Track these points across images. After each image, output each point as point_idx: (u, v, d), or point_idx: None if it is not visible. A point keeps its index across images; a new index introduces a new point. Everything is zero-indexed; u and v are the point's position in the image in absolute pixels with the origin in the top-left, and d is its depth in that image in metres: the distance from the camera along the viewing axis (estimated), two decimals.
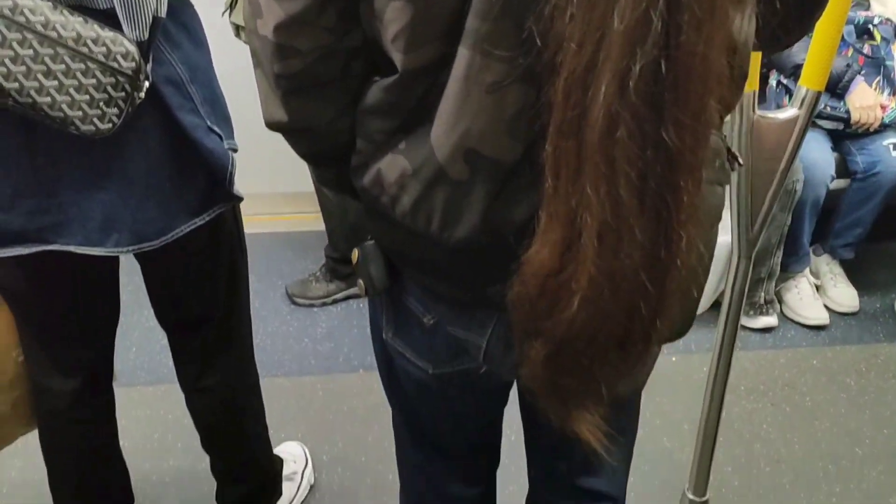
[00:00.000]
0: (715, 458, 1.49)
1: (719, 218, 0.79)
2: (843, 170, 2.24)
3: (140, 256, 1.20)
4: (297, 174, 2.28)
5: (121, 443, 1.47)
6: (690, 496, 1.52)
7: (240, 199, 1.17)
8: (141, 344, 2.09)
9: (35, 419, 1.37)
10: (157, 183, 1.06)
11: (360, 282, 0.82)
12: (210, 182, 1.11)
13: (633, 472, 1.71)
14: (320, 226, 2.35)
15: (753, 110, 1.14)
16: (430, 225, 0.70)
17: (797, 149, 1.16)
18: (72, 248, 1.06)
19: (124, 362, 2.01)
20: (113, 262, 1.24)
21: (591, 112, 0.54)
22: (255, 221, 2.79)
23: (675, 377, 2.05)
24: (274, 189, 2.72)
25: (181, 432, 1.80)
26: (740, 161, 0.81)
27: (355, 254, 0.82)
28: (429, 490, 1.07)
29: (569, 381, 0.65)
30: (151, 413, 1.88)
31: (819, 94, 1.13)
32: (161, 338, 1.38)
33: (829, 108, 2.18)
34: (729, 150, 0.78)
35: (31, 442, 1.41)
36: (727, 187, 1.21)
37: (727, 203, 1.25)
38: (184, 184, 1.08)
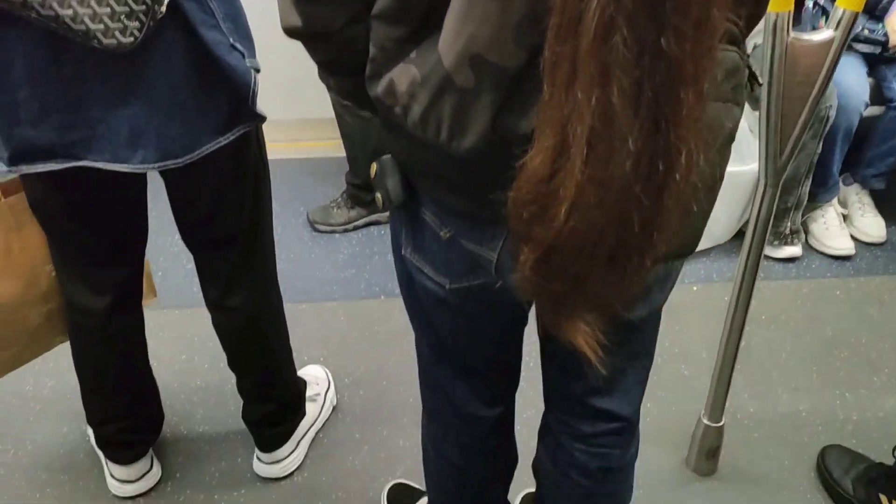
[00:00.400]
0: (732, 385, 1.50)
1: (731, 139, 0.77)
2: (878, 96, 2.17)
3: (165, 175, 1.21)
4: (317, 100, 2.26)
5: (150, 363, 1.51)
6: (706, 421, 1.55)
7: (263, 118, 1.17)
8: (167, 269, 2.12)
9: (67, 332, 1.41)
10: (182, 100, 1.06)
11: (378, 195, 0.84)
12: (233, 101, 1.11)
13: (650, 397, 1.74)
14: (341, 152, 2.34)
15: (787, 32, 1.10)
16: (439, 135, 0.71)
17: (831, 73, 1.12)
18: (100, 165, 1.08)
19: None
20: (141, 181, 1.25)
21: (585, 17, 0.52)
22: (275, 148, 2.77)
23: (695, 306, 2.05)
24: (294, 115, 2.70)
25: (207, 354, 1.85)
26: (760, 81, 0.79)
27: (373, 168, 0.83)
28: (449, 409, 1.10)
29: (557, 287, 0.66)
30: (178, 335, 1.92)
31: (856, 15, 1.08)
32: (187, 262, 1.40)
33: (866, 31, 2.09)
34: (750, 69, 0.75)
35: (62, 360, 1.46)
36: (756, 113, 1.19)
37: (756, 130, 1.22)
38: (208, 102, 1.09)
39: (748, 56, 0.75)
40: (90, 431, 1.59)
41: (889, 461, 1.50)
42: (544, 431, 1.13)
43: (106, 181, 1.12)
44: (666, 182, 0.58)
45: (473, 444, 1.12)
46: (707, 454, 1.58)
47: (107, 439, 1.51)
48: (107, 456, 1.54)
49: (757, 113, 1.19)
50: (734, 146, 2.23)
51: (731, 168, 2.40)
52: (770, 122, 1.17)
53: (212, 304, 1.41)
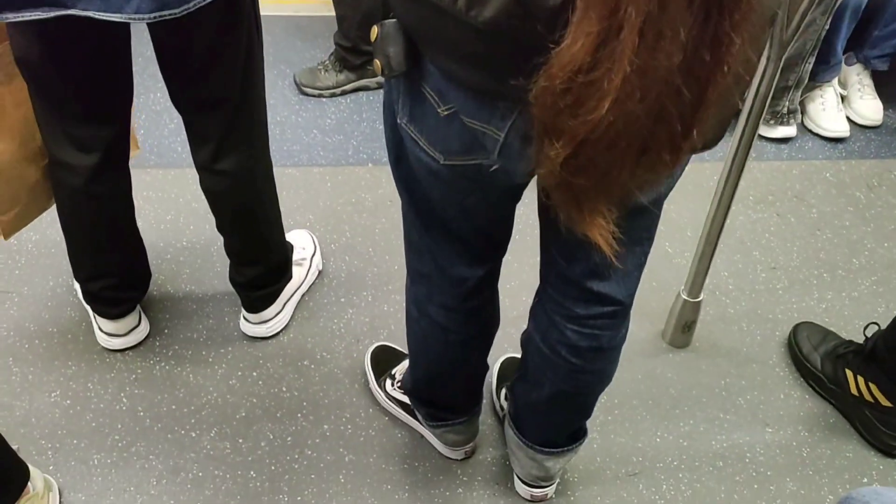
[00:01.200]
0: (713, 263, 1.53)
1: (773, 21, 0.73)
2: None
3: (156, 29, 1.16)
4: None
5: None
6: (685, 296, 1.58)
7: None
8: (149, 127, 2.07)
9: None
10: None
11: (377, 61, 0.79)
12: None
13: None
14: (330, 11, 2.23)
15: None
16: (456, 1, 0.66)
17: None
18: (91, 14, 1.02)
19: None
20: (126, 33, 1.19)
21: None
22: (262, 4, 2.66)
23: (683, 185, 2.00)
24: None
25: (192, 215, 1.85)
26: None
27: (374, 31, 0.78)
28: (434, 270, 1.11)
29: (584, 183, 0.64)
30: (163, 195, 1.91)
31: None
32: (169, 122, 1.36)
33: None
34: None
35: (45, 215, 1.45)
36: None
37: None
38: None
39: None
40: (77, 286, 1.61)
41: (859, 340, 1.55)
42: (537, 309, 1.15)
43: (92, 32, 1.07)
44: (713, 74, 0.56)
45: (457, 304, 1.14)
46: (683, 328, 1.62)
47: (94, 295, 1.52)
48: (94, 311, 1.56)
49: None
50: None
51: None
52: None
53: (201, 166, 1.38)
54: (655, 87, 0.55)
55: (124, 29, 1.13)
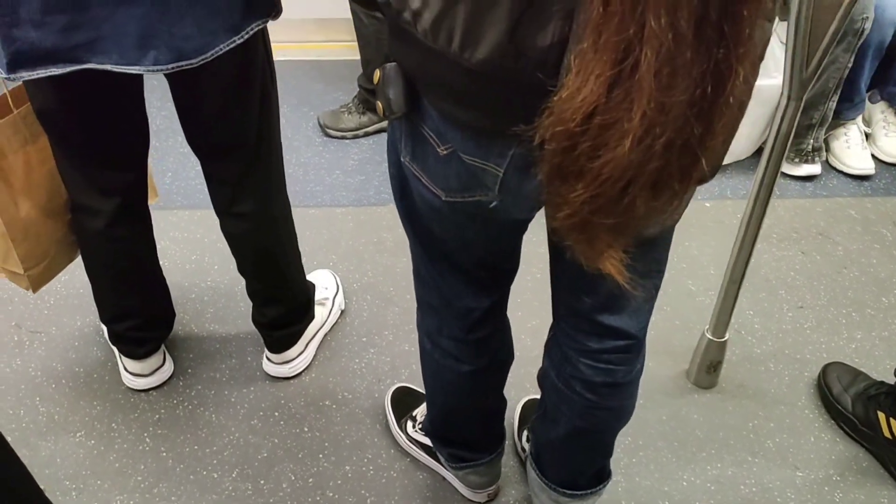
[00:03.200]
0: (738, 302, 1.51)
1: (762, 56, 0.74)
2: None
3: (173, 78, 1.18)
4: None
5: (160, 263, 1.53)
6: (710, 336, 1.56)
7: (279, 10, 1.13)
8: (176, 169, 2.12)
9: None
10: None
11: (378, 103, 0.82)
12: None
13: (654, 311, 1.75)
14: (355, 55, 2.28)
15: None
16: (450, 43, 0.68)
17: None
18: (108, 67, 1.04)
19: (161, 186, 2.05)
20: (139, 83, 1.22)
21: None
22: (287, 49, 2.72)
23: (706, 222, 2.03)
24: (308, 14, 2.62)
25: (217, 255, 1.87)
26: None
27: (377, 75, 0.81)
28: (441, 303, 1.12)
29: (603, 221, 0.65)
30: (189, 236, 1.93)
31: None
32: (195, 164, 1.39)
33: None
34: None
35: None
36: (785, 23, 1.14)
37: (785, 41, 1.17)
38: None
39: None
40: (104, 327, 1.62)
41: (891, 380, 1.52)
42: (551, 344, 1.14)
43: (107, 82, 1.08)
44: (719, 105, 0.57)
45: (465, 335, 1.14)
46: (708, 368, 1.60)
47: (119, 335, 1.54)
48: (120, 350, 1.58)
49: (787, 23, 1.14)
50: None
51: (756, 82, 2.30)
52: (799, 30, 1.12)
53: (220, 210, 1.41)
54: (672, 123, 0.56)
55: (139, 78, 1.15)
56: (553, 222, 0.69)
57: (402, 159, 0.89)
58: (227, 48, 1.08)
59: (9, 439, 0.98)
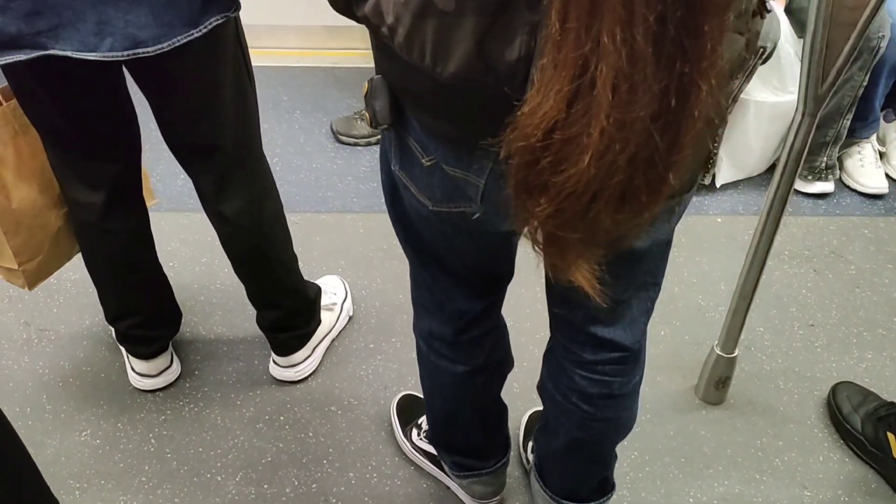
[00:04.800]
0: (748, 318, 1.50)
1: (741, 68, 0.74)
2: None
3: (137, 72, 1.18)
4: None
5: (170, 264, 1.54)
6: (719, 351, 1.55)
7: (238, 6, 1.13)
8: None
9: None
10: None
11: (366, 113, 0.84)
12: None
13: (663, 325, 1.75)
14: (368, 63, 2.28)
15: None
16: (423, 58, 0.69)
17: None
18: (69, 54, 1.05)
19: (171, 188, 2.06)
20: (116, 73, 1.22)
21: None
22: (301, 55, 2.73)
23: (717, 238, 2.02)
24: (322, 22, 2.63)
25: (227, 258, 1.87)
26: (768, 8, 0.75)
27: (365, 86, 0.82)
28: (434, 305, 1.12)
29: (570, 234, 0.65)
30: (199, 238, 1.94)
31: None
32: None
33: None
34: None
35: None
36: (801, 40, 1.13)
37: (800, 58, 1.16)
38: None
39: None
40: (112, 327, 1.63)
41: None
42: (548, 355, 1.15)
43: (78, 71, 1.09)
44: (684, 120, 0.57)
45: (458, 336, 1.14)
46: (717, 383, 1.59)
47: (124, 334, 1.55)
48: (128, 350, 1.58)
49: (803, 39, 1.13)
50: (777, 73, 2.15)
51: (772, 97, 2.32)
52: (814, 47, 1.12)
53: (207, 212, 1.41)
54: (634, 137, 0.56)
55: (113, 67, 1.15)
56: (523, 235, 0.69)
57: (392, 168, 0.90)
58: (185, 40, 1.08)
59: None
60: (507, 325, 1.23)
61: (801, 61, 1.16)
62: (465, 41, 0.65)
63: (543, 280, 1.07)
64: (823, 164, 2.13)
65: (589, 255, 0.68)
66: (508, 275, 1.11)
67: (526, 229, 0.68)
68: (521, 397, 1.53)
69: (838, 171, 2.19)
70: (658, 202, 0.63)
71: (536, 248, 0.69)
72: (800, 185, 2.15)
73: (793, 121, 1.24)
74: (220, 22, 1.11)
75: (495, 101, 0.63)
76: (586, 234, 0.65)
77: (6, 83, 1.21)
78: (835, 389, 1.60)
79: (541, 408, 1.38)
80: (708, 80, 0.55)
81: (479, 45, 0.65)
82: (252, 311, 1.58)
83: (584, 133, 0.56)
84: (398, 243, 1.56)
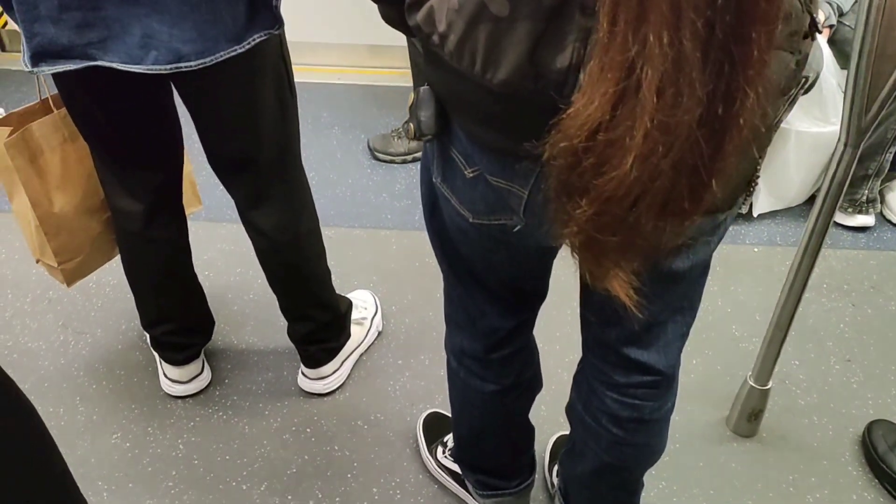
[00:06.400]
0: (783, 350, 1.47)
1: (785, 91, 0.73)
2: None
3: (180, 85, 1.21)
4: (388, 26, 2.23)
5: (206, 273, 1.56)
6: (752, 383, 1.52)
7: (281, 23, 1.15)
8: None
9: None
10: (195, 1, 1.04)
11: (410, 124, 0.84)
12: (251, 6, 1.09)
13: (696, 354, 1.72)
14: (406, 82, 2.31)
15: None
16: (474, 65, 0.69)
17: None
18: (115, 65, 1.08)
19: (210, 198, 2.09)
20: (161, 85, 1.25)
21: None
22: (343, 73, 2.78)
23: (754, 268, 1.99)
24: (364, 41, 2.68)
25: (261, 269, 1.89)
26: (821, 30, 0.74)
27: (411, 97, 0.83)
28: (468, 322, 1.12)
29: (610, 238, 0.64)
30: (235, 248, 1.97)
31: None
32: None
33: None
34: (812, 17, 0.71)
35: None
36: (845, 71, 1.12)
37: (842, 89, 1.15)
38: (223, 6, 1.06)
39: (810, 1, 0.71)
40: (147, 333, 1.66)
41: None
42: (579, 377, 1.13)
43: (125, 82, 1.12)
44: (729, 127, 0.57)
45: (489, 353, 1.14)
46: (749, 416, 1.56)
47: (158, 340, 1.57)
48: (161, 356, 1.61)
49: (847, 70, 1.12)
50: (819, 103, 2.11)
51: (813, 128, 2.29)
52: (858, 79, 1.11)
53: (245, 224, 1.43)
54: (678, 142, 0.56)
55: (159, 80, 1.18)
56: (561, 238, 0.69)
57: (433, 180, 0.91)
58: (228, 55, 1.10)
59: None
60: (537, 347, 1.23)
61: (845, 92, 1.15)
62: (517, 47, 0.66)
63: (574, 303, 1.07)
64: (864, 198, 2.09)
65: (626, 262, 0.68)
66: (542, 294, 1.11)
67: (564, 233, 0.67)
68: (549, 420, 1.51)
69: (879, 205, 2.15)
70: (699, 210, 0.62)
71: (574, 253, 0.69)
72: (840, 218, 2.12)
73: (834, 152, 1.23)
74: (263, 38, 1.13)
75: (544, 108, 0.63)
76: (625, 239, 0.64)
77: (57, 92, 1.25)
78: (870, 427, 1.56)
79: (567, 432, 1.37)
80: (755, 88, 0.55)
81: (530, 52, 0.66)
82: (283, 323, 1.60)
83: (627, 135, 0.57)
84: (430, 261, 1.57)
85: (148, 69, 1.08)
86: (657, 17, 0.52)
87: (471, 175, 0.83)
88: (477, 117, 0.77)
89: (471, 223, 0.88)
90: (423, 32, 0.72)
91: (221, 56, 1.10)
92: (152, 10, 1.04)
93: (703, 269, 0.96)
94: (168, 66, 1.08)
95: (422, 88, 0.81)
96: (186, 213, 1.49)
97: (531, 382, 1.23)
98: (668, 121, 0.55)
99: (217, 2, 1.06)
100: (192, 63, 1.08)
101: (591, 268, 0.69)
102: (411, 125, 0.84)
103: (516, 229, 0.85)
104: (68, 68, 1.09)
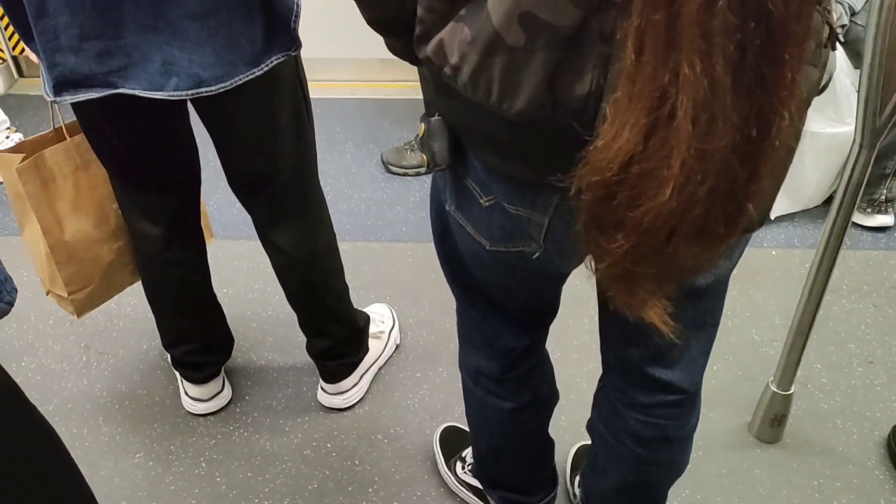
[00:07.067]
0: (805, 354, 1.46)
1: (808, 103, 0.73)
2: None
3: (200, 107, 1.22)
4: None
5: (224, 291, 1.57)
6: (774, 388, 1.51)
7: (299, 45, 1.16)
8: None
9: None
10: (213, 27, 1.05)
11: (423, 155, 0.83)
12: (269, 26, 1.10)
13: (716, 360, 1.71)
14: (417, 94, 2.32)
15: None
16: (489, 95, 0.68)
17: None
18: (137, 92, 1.10)
19: (227, 216, 2.11)
20: (181, 109, 1.26)
21: None
22: (355, 87, 2.79)
23: (772, 271, 1.98)
24: (375, 55, 2.69)
25: (279, 286, 1.90)
26: (841, 39, 0.74)
27: (422, 128, 0.82)
28: (482, 341, 1.12)
29: (646, 271, 0.64)
30: (253, 266, 1.98)
31: None
32: None
33: None
34: (830, 25, 0.70)
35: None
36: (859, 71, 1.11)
37: (856, 88, 1.14)
38: (242, 28, 1.07)
39: (828, 11, 0.70)
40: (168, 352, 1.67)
41: None
42: (600, 395, 1.13)
43: (146, 108, 1.13)
44: (764, 149, 0.56)
45: (506, 372, 1.13)
46: (772, 421, 1.54)
47: (179, 360, 1.59)
48: (182, 375, 1.62)
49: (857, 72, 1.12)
50: (833, 104, 2.11)
51: (828, 129, 2.27)
52: (871, 78, 1.10)
53: (263, 242, 1.44)
54: (714, 168, 0.56)
55: (177, 105, 1.19)
56: (595, 273, 0.68)
57: (446, 208, 0.90)
58: (247, 78, 1.11)
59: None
60: (555, 357, 1.22)
61: (858, 92, 1.14)
62: (534, 77, 0.65)
63: (591, 311, 1.07)
64: (883, 197, 2.07)
65: (662, 291, 0.67)
66: (555, 311, 1.10)
67: (599, 267, 0.66)
68: (569, 430, 1.51)
69: None
70: (735, 234, 0.62)
71: (603, 286, 0.68)
72: (858, 218, 2.10)
73: (850, 153, 1.22)
74: (280, 60, 1.14)
75: (563, 137, 0.63)
76: (663, 270, 0.63)
77: (71, 118, 1.27)
78: (895, 430, 1.54)
79: (588, 441, 1.36)
80: (788, 108, 0.55)
81: (548, 81, 0.65)
82: (302, 339, 1.61)
83: (663, 166, 0.56)
84: None
85: (169, 95, 1.09)
86: (688, 44, 0.51)
87: (487, 204, 0.82)
88: (494, 148, 0.76)
89: (487, 250, 0.87)
90: (434, 65, 0.72)
91: (240, 80, 1.11)
92: (172, 37, 1.05)
93: (725, 283, 0.95)
94: (188, 92, 1.09)
95: (433, 119, 0.80)
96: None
97: (548, 397, 1.22)
98: (705, 148, 0.54)
99: (235, 26, 1.07)
100: (212, 88, 1.10)
101: (625, 299, 0.68)
102: (424, 156, 0.83)
103: (535, 256, 0.84)
104: (91, 97, 1.11)
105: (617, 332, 1.01)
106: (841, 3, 1.97)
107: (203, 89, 1.09)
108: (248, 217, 1.43)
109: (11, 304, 0.79)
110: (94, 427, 1.62)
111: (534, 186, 0.76)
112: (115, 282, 1.49)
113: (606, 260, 0.64)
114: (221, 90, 1.10)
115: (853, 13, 1.99)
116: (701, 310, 0.95)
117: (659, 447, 1.07)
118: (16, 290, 0.80)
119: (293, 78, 1.24)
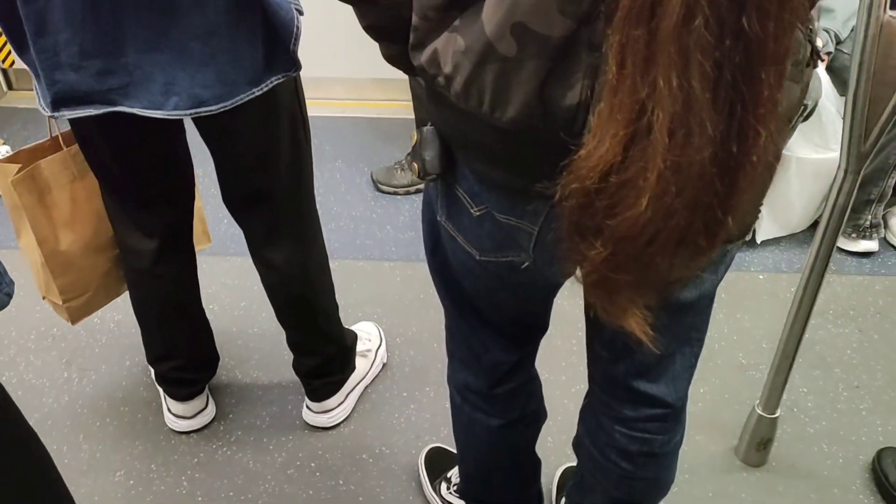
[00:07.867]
0: (791, 378, 1.46)
1: (789, 120, 0.74)
2: None
3: (199, 125, 1.22)
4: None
5: (210, 307, 1.56)
6: (760, 412, 1.51)
7: (299, 66, 1.16)
8: (230, 216, 2.17)
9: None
10: (215, 47, 1.06)
11: (414, 164, 0.84)
12: (270, 47, 1.11)
13: (703, 383, 1.71)
14: (410, 114, 2.33)
15: (884, 9, 1.03)
16: (482, 104, 0.69)
17: None
18: (136, 111, 1.10)
19: (215, 232, 2.10)
20: (178, 127, 1.27)
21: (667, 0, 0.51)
22: (345, 106, 2.80)
23: (759, 295, 1.99)
24: (366, 74, 2.70)
25: (266, 303, 1.87)
26: (822, 58, 0.75)
27: (414, 137, 0.83)
28: (470, 356, 1.12)
29: (625, 278, 0.64)
30: (240, 283, 1.97)
31: None
32: None
33: None
34: (812, 45, 0.71)
35: (129, 298, 1.52)
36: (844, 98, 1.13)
37: (842, 115, 1.16)
38: (243, 49, 1.08)
39: (811, 30, 0.71)
40: (151, 368, 1.65)
41: None
42: (586, 410, 1.13)
43: (141, 125, 1.13)
44: (742, 165, 0.57)
45: (493, 388, 1.13)
46: (758, 445, 1.54)
47: (164, 376, 1.57)
48: (165, 391, 1.60)
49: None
50: (819, 130, 2.13)
51: (814, 155, 2.30)
52: (856, 105, 1.12)
53: (255, 259, 1.44)
54: (691, 181, 0.56)
55: (175, 123, 1.19)
56: (574, 278, 0.69)
57: (438, 219, 0.91)
58: (247, 98, 1.12)
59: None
60: (542, 377, 1.22)
61: (844, 119, 1.15)
62: (525, 86, 0.66)
63: (579, 333, 1.07)
64: (868, 223, 2.09)
65: (640, 299, 0.68)
66: (544, 327, 1.10)
67: (578, 272, 0.67)
68: (555, 452, 1.50)
69: (883, 230, 2.15)
70: (716, 246, 0.62)
71: (587, 292, 0.69)
72: (844, 244, 2.12)
73: (835, 178, 1.23)
74: (280, 81, 1.15)
75: (553, 146, 0.64)
76: (640, 277, 0.64)
77: (68, 128, 1.26)
78: (880, 454, 1.54)
79: (574, 463, 1.36)
80: (767, 126, 0.55)
81: (538, 90, 0.66)
82: (287, 357, 1.59)
83: (640, 177, 0.57)
84: (434, 292, 1.58)
85: (168, 115, 1.10)
86: (665, 60, 0.52)
87: (477, 213, 0.83)
88: (485, 156, 0.77)
89: (477, 260, 0.88)
90: (428, 74, 0.73)
91: (240, 99, 1.11)
92: (175, 57, 1.05)
93: (710, 298, 0.96)
94: (188, 112, 1.09)
95: (425, 128, 0.81)
96: (196, 250, 1.50)
97: (536, 414, 1.22)
98: (681, 161, 0.55)
99: (237, 48, 1.07)
100: (212, 108, 1.10)
101: (605, 305, 0.69)
102: (416, 164, 0.84)
103: (524, 266, 0.85)
104: (89, 113, 1.11)
105: (603, 346, 1.01)
106: (827, 32, 2.00)
107: (203, 109, 1.10)
108: (235, 233, 1.42)
109: (10, 296, 0.79)
110: (74, 444, 1.60)
111: (524, 195, 0.77)
112: (110, 289, 1.49)
113: (586, 266, 0.65)
114: (221, 110, 1.10)
115: (839, 41, 2.02)
116: (687, 324, 0.96)
117: (644, 462, 1.07)
118: (13, 283, 0.80)
119: (292, 97, 1.25)
